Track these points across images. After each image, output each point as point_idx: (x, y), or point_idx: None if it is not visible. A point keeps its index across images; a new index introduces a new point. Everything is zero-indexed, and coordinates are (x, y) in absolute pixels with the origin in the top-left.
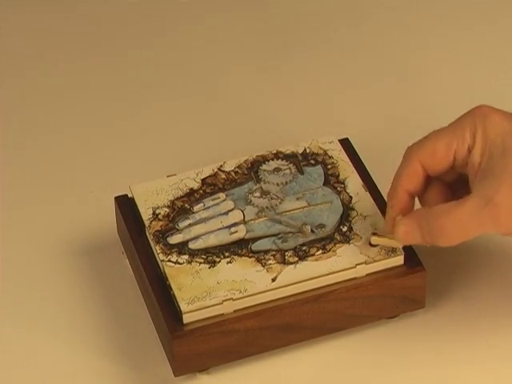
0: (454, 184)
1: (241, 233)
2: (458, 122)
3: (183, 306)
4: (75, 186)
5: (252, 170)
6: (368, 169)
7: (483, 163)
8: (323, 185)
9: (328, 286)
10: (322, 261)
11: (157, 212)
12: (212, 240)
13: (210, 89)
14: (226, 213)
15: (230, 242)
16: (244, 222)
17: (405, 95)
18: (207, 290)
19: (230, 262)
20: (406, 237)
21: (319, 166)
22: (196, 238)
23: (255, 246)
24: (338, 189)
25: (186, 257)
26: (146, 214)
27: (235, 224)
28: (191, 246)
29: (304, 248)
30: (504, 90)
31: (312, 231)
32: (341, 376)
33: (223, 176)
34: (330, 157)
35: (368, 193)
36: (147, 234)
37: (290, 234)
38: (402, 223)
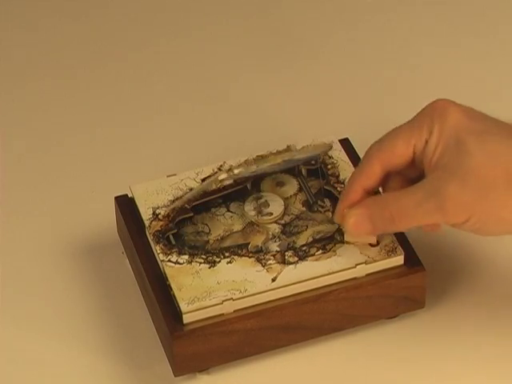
0: (417, 179)
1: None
2: (416, 117)
3: (183, 306)
4: (75, 185)
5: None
6: None
7: (436, 156)
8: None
9: (328, 286)
10: (321, 261)
11: (157, 212)
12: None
13: (210, 89)
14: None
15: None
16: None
17: (405, 95)
18: (207, 290)
19: (230, 262)
20: (357, 227)
21: None
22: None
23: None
24: (339, 189)
25: (186, 257)
26: (146, 214)
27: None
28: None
29: (304, 248)
30: (504, 90)
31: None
32: (341, 376)
33: None
34: (330, 157)
35: None
36: (147, 233)
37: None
38: (352, 214)
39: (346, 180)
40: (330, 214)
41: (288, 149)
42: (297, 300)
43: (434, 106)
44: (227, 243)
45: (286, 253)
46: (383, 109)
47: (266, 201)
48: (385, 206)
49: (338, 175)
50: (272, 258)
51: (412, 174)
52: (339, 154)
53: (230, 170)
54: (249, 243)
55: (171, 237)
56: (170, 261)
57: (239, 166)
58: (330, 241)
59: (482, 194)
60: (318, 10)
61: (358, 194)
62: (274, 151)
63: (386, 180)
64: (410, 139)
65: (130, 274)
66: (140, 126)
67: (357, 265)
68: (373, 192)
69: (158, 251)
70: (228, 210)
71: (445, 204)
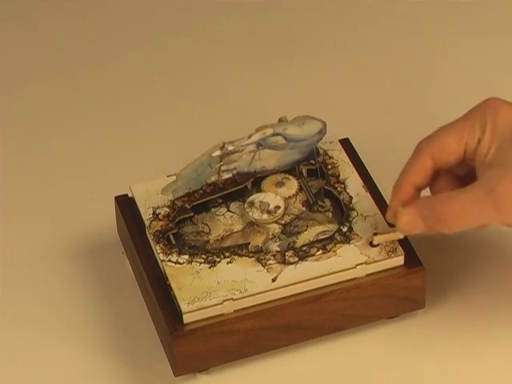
0: (466, 177)
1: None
2: (468, 115)
3: (183, 306)
4: (75, 186)
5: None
6: (368, 169)
7: (490, 154)
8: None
9: (328, 286)
10: (322, 261)
11: (157, 212)
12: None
13: (210, 89)
14: None
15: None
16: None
17: (405, 95)
18: (207, 290)
19: (230, 262)
20: (409, 226)
21: None
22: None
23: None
24: (339, 189)
25: (186, 257)
26: (146, 214)
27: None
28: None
29: (304, 248)
30: (505, 91)
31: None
32: (341, 376)
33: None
34: (330, 157)
35: (368, 193)
36: (147, 233)
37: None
38: (405, 213)
39: (347, 180)
40: (330, 214)
41: (280, 120)
42: (297, 300)
43: (486, 104)
44: (227, 243)
45: (286, 253)
46: (383, 109)
47: (267, 201)
48: (438, 206)
49: (338, 175)
50: (272, 258)
51: (461, 172)
52: (339, 154)
53: (223, 147)
54: (249, 243)
55: (171, 237)
56: (170, 261)
57: (233, 142)
58: (331, 241)
59: None
60: (318, 10)
61: (409, 189)
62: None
63: (435, 178)
64: (461, 137)
65: (130, 274)
66: (140, 126)
67: (357, 265)
68: (423, 188)
69: (158, 251)
70: (228, 210)
71: (501, 203)
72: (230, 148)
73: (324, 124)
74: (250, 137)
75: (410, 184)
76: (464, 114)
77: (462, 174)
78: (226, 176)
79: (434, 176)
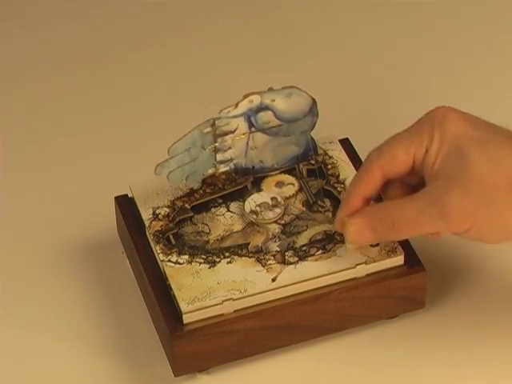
0: (418, 186)
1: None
2: (417, 124)
3: (183, 306)
4: (75, 186)
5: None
6: None
7: (437, 163)
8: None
9: (328, 286)
10: (322, 261)
11: (157, 212)
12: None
13: (210, 89)
14: None
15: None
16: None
17: (405, 95)
18: (207, 290)
19: (230, 262)
20: (357, 236)
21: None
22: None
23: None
24: (338, 189)
25: (186, 257)
26: (146, 214)
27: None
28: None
29: (304, 248)
30: (506, 91)
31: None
32: (341, 376)
33: (223, 176)
34: (330, 157)
35: None
36: (147, 233)
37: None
38: (352, 223)
39: (347, 180)
40: (330, 213)
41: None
42: (297, 300)
43: (435, 113)
44: (227, 243)
45: (286, 253)
46: (383, 109)
47: (267, 202)
48: (386, 214)
49: (338, 175)
50: (272, 258)
51: (412, 181)
52: (339, 154)
53: (214, 124)
54: (249, 243)
55: (171, 237)
56: (170, 261)
57: (221, 111)
58: (330, 241)
59: (484, 201)
60: (318, 10)
61: (358, 201)
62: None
63: (386, 187)
64: (409, 147)
65: (130, 274)
66: (140, 126)
67: (357, 265)
68: (372, 199)
69: (158, 251)
70: (228, 210)
71: (447, 212)
72: (221, 124)
73: (313, 101)
74: (237, 105)
75: (358, 195)
76: (413, 123)
77: (414, 183)
78: (223, 169)
79: (385, 185)
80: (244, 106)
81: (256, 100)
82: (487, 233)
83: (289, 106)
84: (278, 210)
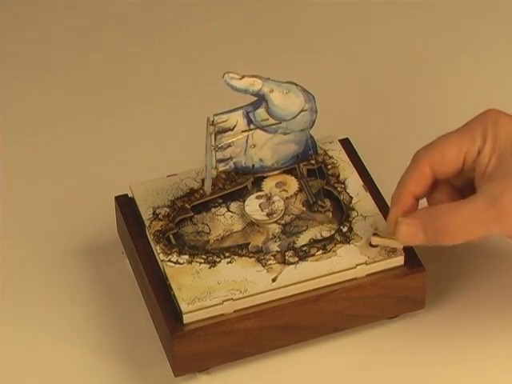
0: (463, 189)
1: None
2: (468, 125)
3: (183, 306)
4: (75, 186)
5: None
6: (368, 169)
7: (491, 165)
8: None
9: (328, 286)
10: (322, 261)
11: (157, 212)
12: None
13: (210, 88)
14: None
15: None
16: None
17: (405, 95)
18: (207, 290)
19: (230, 262)
20: (409, 237)
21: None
22: None
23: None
24: (339, 189)
25: (186, 257)
26: (146, 214)
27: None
28: None
29: (304, 248)
30: (506, 92)
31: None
32: (341, 376)
33: (223, 176)
34: (330, 157)
35: (368, 193)
36: (147, 233)
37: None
38: (405, 223)
39: (347, 180)
40: (330, 213)
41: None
42: (297, 300)
43: (486, 115)
44: (227, 243)
45: (287, 253)
46: (383, 109)
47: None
48: (440, 218)
49: (338, 175)
50: (272, 258)
51: (458, 183)
52: (339, 154)
53: (213, 121)
54: (249, 243)
55: (171, 237)
56: (170, 261)
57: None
58: (330, 241)
59: None
60: (318, 9)
61: (408, 200)
62: None
63: (432, 189)
64: (461, 147)
65: (130, 274)
66: (140, 126)
67: (357, 265)
68: (422, 198)
69: (158, 251)
70: (228, 210)
71: (503, 214)
72: (220, 121)
73: (311, 98)
74: (242, 77)
75: (409, 193)
76: (464, 124)
77: (460, 185)
78: (222, 168)
79: (431, 186)
80: (246, 83)
81: (258, 85)
82: None
83: (282, 102)
84: (278, 210)
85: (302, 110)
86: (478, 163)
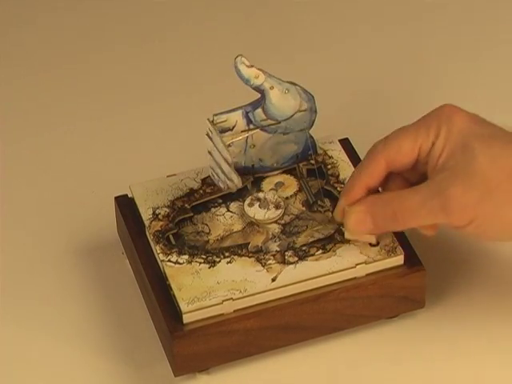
0: (416, 183)
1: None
2: (424, 119)
3: (183, 306)
4: (75, 185)
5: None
6: None
7: (442, 157)
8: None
9: (328, 286)
10: (321, 261)
11: (157, 212)
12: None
13: (210, 88)
14: None
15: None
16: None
17: (405, 95)
18: (207, 290)
19: (229, 261)
20: (358, 225)
21: None
22: None
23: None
24: (339, 189)
25: (186, 257)
26: (146, 214)
27: None
28: None
29: (304, 248)
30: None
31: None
32: (341, 376)
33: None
34: (330, 157)
35: None
36: (147, 233)
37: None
38: (353, 211)
39: (347, 180)
40: (330, 213)
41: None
42: (297, 300)
43: (442, 110)
44: (227, 243)
45: (286, 253)
46: (383, 109)
47: (267, 201)
48: (387, 204)
49: (338, 175)
50: (272, 257)
51: (411, 177)
52: (339, 154)
53: (213, 120)
54: (249, 243)
55: (171, 237)
56: (169, 261)
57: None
58: (330, 241)
59: (486, 196)
60: (318, 8)
61: (360, 191)
62: None
63: (386, 181)
64: (416, 140)
65: (130, 274)
66: (140, 125)
67: (357, 265)
68: (374, 191)
69: (158, 251)
70: (228, 210)
71: (449, 205)
72: (220, 120)
73: (311, 98)
74: (251, 66)
75: (361, 185)
76: (419, 118)
77: (413, 179)
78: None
79: (386, 178)
80: (252, 73)
81: (261, 79)
82: (486, 229)
83: (279, 101)
84: (278, 210)
85: (295, 113)
86: (430, 155)
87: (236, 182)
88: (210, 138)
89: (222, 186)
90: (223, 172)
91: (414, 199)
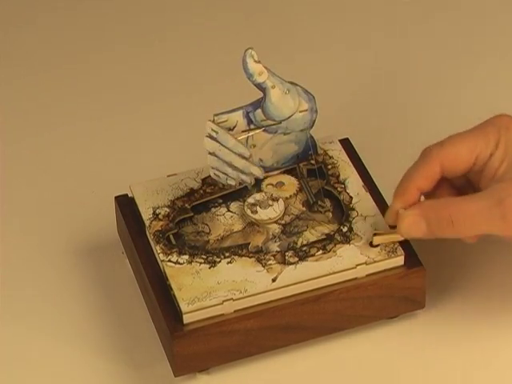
0: (462, 188)
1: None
2: (481, 128)
3: (183, 306)
4: (75, 186)
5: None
6: (368, 169)
7: (501, 169)
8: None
9: (328, 286)
10: (322, 261)
11: (157, 212)
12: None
13: (210, 88)
14: None
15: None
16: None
17: (405, 95)
18: (207, 290)
19: (230, 262)
20: (412, 228)
21: None
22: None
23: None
24: (339, 189)
25: (186, 257)
26: (146, 214)
27: None
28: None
29: (304, 248)
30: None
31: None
32: (341, 376)
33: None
34: (330, 157)
35: (368, 193)
36: (147, 233)
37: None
38: (408, 214)
39: (347, 180)
40: (330, 213)
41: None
42: (297, 300)
43: (499, 120)
44: (227, 243)
45: (287, 253)
46: (383, 109)
47: (268, 201)
48: (444, 209)
49: (338, 175)
50: (272, 258)
51: (459, 183)
52: (339, 154)
53: (214, 121)
54: (249, 243)
55: (171, 237)
56: (170, 261)
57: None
58: (331, 241)
59: None
60: (318, 8)
61: (414, 194)
62: None
63: (434, 186)
64: (474, 148)
65: (130, 274)
66: (140, 125)
67: (357, 265)
68: (426, 194)
69: (158, 251)
70: (228, 210)
71: (508, 215)
72: (221, 120)
73: (311, 98)
74: (259, 62)
75: (415, 188)
76: (475, 126)
77: (460, 185)
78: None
79: (437, 183)
80: (256, 69)
81: (264, 77)
82: None
83: (278, 101)
84: (278, 210)
85: (292, 114)
86: (488, 166)
87: (258, 173)
88: (214, 139)
89: (232, 183)
90: (235, 169)
91: (473, 206)
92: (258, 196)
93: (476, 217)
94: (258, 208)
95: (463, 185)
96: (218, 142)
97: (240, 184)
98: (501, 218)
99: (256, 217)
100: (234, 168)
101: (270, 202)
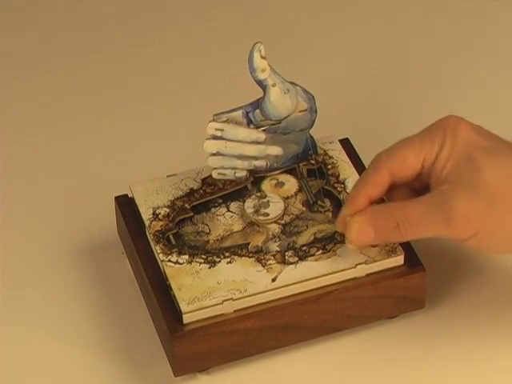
0: (420, 191)
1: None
2: (428, 131)
3: (183, 306)
4: (75, 185)
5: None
6: None
7: (446, 169)
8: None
9: (328, 286)
10: (322, 261)
11: (157, 212)
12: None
13: (210, 88)
14: None
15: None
16: None
17: (405, 95)
18: (207, 290)
19: (230, 262)
20: (359, 235)
21: None
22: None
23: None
24: (339, 189)
25: (186, 257)
26: (146, 214)
27: None
28: None
29: (304, 248)
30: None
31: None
32: (341, 376)
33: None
34: (330, 157)
35: None
36: (147, 233)
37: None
38: (355, 221)
39: (347, 180)
40: (330, 213)
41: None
42: (297, 300)
43: (446, 121)
44: (227, 243)
45: (286, 253)
46: (383, 109)
47: (268, 201)
48: (390, 215)
49: (338, 175)
50: (272, 258)
51: (416, 186)
52: (339, 154)
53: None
54: (249, 243)
55: (171, 237)
56: (170, 261)
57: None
58: (330, 241)
59: (490, 208)
60: (318, 8)
61: (363, 202)
62: None
63: (390, 190)
64: (420, 152)
65: (130, 274)
66: (140, 125)
67: (357, 265)
68: (377, 201)
69: (158, 251)
70: (228, 210)
71: (452, 216)
72: (220, 120)
73: (311, 98)
74: (264, 58)
75: (364, 196)
76: (423, 129)
77: (418, 188)
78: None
79: (389, 187)
80: (261, 65)
81: (266, 74)
82: (489, 241)
83: (277, 100)
84: (277, 210)
85: (290, 115)
86: (434, 167)
87: (277, 151)
88: (219, 138)
89: (242, 174)
90: (246, 158)
91: (417, 210)
92: (257, 196)
93: (421, 221)
94: (258, 208)
95: (422, 187)
96: (223, 139)
97: (253, 172)
98: (444, 222)
99: (256, 217)
100: (245, 158)
101: (270, 202)
